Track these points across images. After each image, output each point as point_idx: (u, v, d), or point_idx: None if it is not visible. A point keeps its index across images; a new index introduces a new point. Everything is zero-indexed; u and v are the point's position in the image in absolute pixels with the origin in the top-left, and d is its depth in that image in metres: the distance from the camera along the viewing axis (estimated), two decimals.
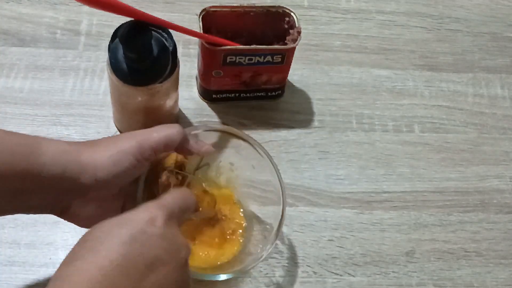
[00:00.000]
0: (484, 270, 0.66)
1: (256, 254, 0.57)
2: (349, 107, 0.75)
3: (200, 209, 0.59)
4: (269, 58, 0.67)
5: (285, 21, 0.68)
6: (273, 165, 0.59)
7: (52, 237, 0.62)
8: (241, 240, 0.61)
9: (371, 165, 0.71)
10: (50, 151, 0.48)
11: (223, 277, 0.56)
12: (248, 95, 0.72)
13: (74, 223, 0.53)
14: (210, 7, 0.66)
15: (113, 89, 0.62)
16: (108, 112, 0.69)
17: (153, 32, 0.58)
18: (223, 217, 0.62)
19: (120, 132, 0.68)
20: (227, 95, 0.71)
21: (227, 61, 0.66)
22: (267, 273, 0.63)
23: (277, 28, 0.69)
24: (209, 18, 0.66)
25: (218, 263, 0.59)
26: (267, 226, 0.59)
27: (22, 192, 0.47)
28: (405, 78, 0.78)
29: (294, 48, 0.67)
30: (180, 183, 0.58)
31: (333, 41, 0.80)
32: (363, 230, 0.67)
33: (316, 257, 0.64)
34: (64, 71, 0.73)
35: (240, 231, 0.62)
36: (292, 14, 0.68)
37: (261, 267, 0.63)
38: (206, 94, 0.72)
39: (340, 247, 0.65)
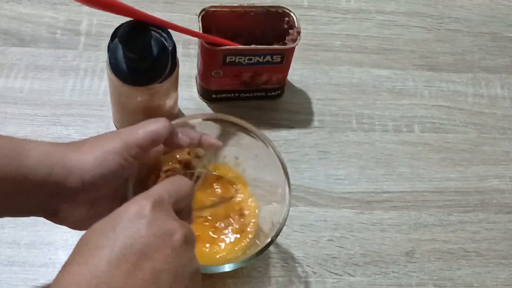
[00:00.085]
0: (484, 270, 0.66)
1: (272, 226, 0.57)
2: (349, 107, 0.75)
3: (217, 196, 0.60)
4: (269, 58, 0.67)
5: (285, 21, 0.68)
6: (271, 146, 0.59)
7: (52, 237, 0.62)
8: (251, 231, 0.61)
9: (371, 165, 0.71)
10: (34, 154, 0.47)
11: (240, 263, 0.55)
12: (248, 95, 0.72)
13: (66, 226, 0.52)
14: (210, 7, 0.66)
15: (113, 89, 0.62)
16: (108, 112, 0.69)
17: (152, 32, 0.58)
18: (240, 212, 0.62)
19: None
20: (227, 95, 0.71)
21: (227, 61, 0.66)
22: (267, 273, 0.63)
23: (277, 28, 0.69)
24: (209, 18, 0.66)
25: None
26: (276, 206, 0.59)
27: (7, 196, 0.47)
28: (405, 78, 0.78)
29: (294, 48, 0.67)
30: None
31: (333, 41, 0.80)
32: (363, 230, 0.67)
33: (316, 257, 0.64)
34: (64, 71, 0.73)
35: (253, 221, 0.61)
36: (292, 14, 0.68)
37: (260, 267, 0.63)
38: (206, 94, 0.72)
39: (340, 247, 0.65)
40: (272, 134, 0.71)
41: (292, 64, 0.69)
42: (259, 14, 0.68)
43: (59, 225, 0.61)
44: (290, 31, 0.68)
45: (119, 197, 0.53)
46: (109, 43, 0.59)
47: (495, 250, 0.67)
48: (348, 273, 0.64)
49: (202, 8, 0.66)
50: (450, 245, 0.67)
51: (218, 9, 0.67)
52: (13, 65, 0.72)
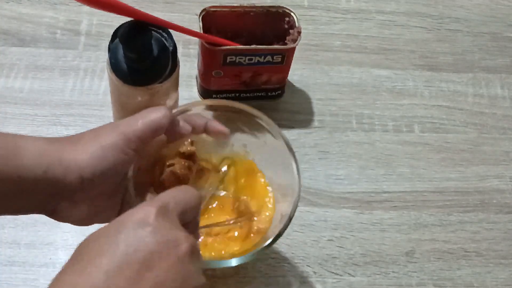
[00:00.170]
0: (484, 270, 0.66)
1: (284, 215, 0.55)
2: (349, 107, 0.75)
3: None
4: (269, 58, 0.67)
5: (285, 21, 0.68)
6: (280, 134, 0.57)
7: (52, 237, 0.62)
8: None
9: (371, 165, 0.71)
10: (29, 153, 0.45)
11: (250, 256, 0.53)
12: (248, 95, 0.72)
13: (68, 223, 0.50)
14: (210, 7, 0.66)
15: (113, 89, 0.62)
16: (108, 112, 0.69)
17: (153, 32, 0.58)
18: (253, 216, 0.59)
19: None
20: (227, 95, 0.71)
21: (227, 61, 0.66)
22: (267, 273, 0.63)
23: (277, 28, 0.69)
24: (209, 18, 0.66)
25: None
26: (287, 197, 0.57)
27: (3, 196, 0.45)
28: (405, 78, 0.78)
29: (294, 48, 0.67)
30: (196, 174, 0.56)
31: (333, 41, 0.80)
32: (363, 230, 0.67)
33: (316, 257, 0.64)
34: (64, 71, 0.73)
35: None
36: (292, 14, 0.68)
37: (260, 267, 0.63)
38: (206, 94, 0.72)
39: (340, 247, 0.65)
40: None
41: (292, 64, 0.69)
42: (259, 14, 0.68)
43: (59, 225, 0.61)
44: (290, 31, 0.68)
45: (120, 192, 0.51)
46: (109, 43, 0.59)
47: (495, 250, 0.67)
48: (348, 273, 0.64)
49: (202, 8, 0.66)
50: (450, 245, 0.67)
51: (218, 9, 0.67)
52: (13, 65, 0.72)
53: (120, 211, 0.51)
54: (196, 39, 0.67)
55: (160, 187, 0.54)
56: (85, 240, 0.39)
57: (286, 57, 0.67)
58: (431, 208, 0.69)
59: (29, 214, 0.48)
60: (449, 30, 0.83)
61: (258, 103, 0.73)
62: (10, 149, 0.44)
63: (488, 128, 0.75)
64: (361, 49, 0.80)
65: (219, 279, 0.62)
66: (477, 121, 0.76)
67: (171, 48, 0.59)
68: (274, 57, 0.67)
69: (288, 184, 0.56)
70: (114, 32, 0.58)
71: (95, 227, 0.41)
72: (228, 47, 0.65)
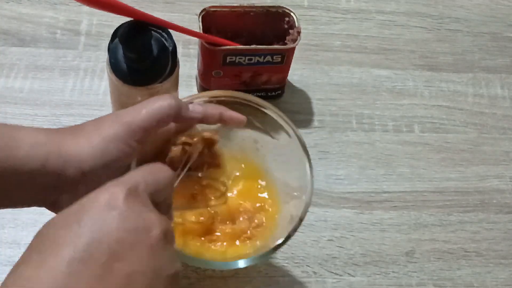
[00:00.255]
0: (484, 270, 0.66)
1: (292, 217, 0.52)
2: (349, 107, 0.75)
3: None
4: (269, 58, 0.67)
5: (285, 21, 0.68)
6: (291, 127, 0.55)
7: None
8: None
9: (371, 165, 0.71)
10: (26, 144, 0.42)
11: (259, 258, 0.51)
12: None
13: None
14: (210, 7, 0.66)
15: (113, 89, 0.62)
16: (108, 112, 0.69)
17: (153, 32, 0.58)
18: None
19: None
20: None
21: (227, 61, 0.66)
22: (267, 273, 0.63)
23: (277, 28, 0.69)
24: (209, 18, 0.66)
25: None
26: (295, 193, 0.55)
27: (0, 188, 0.43)
28: (405, 78, 0.78)
29: (294, 48, 0.67)
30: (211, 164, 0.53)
31: (333, 41, 0.80)
32: (363, 230, 0.67)
33: (316, 257, 0.64)
34: (64, 71, 0.73)
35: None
36: (292, 14, 0.68)
37: (260, 267, 0.63)
38: None
39: (340, 247, 0.65)
40: None
41: (292, 64, 0.69)
42: (259, 14, 0.68)
43: None
44: (290, 31, 0.68)
45: None
46: (109, 43, 0.59)
47: (495, 250, 0.67)
48: (348, 273, 0.64)
49: (202, 8, 0.66)
50: (450, 245, 0.67)
51: (218, 9, 0.67)
52: (13, 65, 0.72)
53: None
54: (196, 39, 0.67)
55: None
56: (44, 226, 0.36)
57: (286, 57, 0.67)
58: (431, 208, 0.69)
59: (29, 206, 0.46)
60: (449, 30, 0.83)
61: None
62: (6, 140, 0.42)
63: (488, 128, 0.75)
64: (361, 49, 0.80)
65: (219, 279, 0.62)
66: (477, 121, 0.76)
67: (171, 48, 0.59)
68: (274, 57, 0.67)
69: (298, 186, 0.55)
70: (114, 32, 0.58)
71: None
72: (228, 47, 0.65)
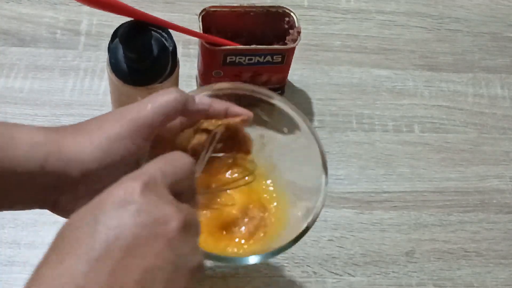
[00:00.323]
0: (484, 270, 0.66)
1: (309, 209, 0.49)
2: (349, 107, 0.75)
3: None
4: (269, 58, 0.67)
5: (285, 21, 0.68)
6: (302, 118, 0.52)
7: (52, 237, 0.62)
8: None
9: (371, 165, 0.71)
10: (23, 144, 0.41)
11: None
12: None
13: None
14: (210, 7, 0.66)
15: (113, 89, 0.62)
16: None
17: (153, 32, 0.58)
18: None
19: None
20: None
21: (227, 61, 0.66)
22: (267, 273, 0.63)
23: (277, 28, 0.69)
24: (209, 18, 0.66)
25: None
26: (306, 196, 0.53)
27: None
28: (405, 78, 0.78)
29: (294, 48, 0.67)
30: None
31: (333, 41, 0.80)
32: (363, 230, 0.67)
33: (316, 257, 0.64)
34: (64, 71, 0.73)
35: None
36: (292, 14, 0.68)
37: (260, 267, 0.63)
38: None
39: (340, 247, 0.65)
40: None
41: (292, 64, 0.69)
42: (259, 14, 0.68)
43: (59, 225, 0.61)
44: (290, 31, 0.68)
45: None
46: (109, 43, 0.59)
47: (495, 250, 0.67)
48: (348, 273, 0.64)
49: (202, 8, 0.66)
50: (450, 245, 0.67)
51: (218, 9, 0.67)
52: (13, 65, 0.72)
53: None
54: (196, 39, 0.67)
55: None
56: (62, 227, 0.35)
57: (286, 57, 0.67)
58: (431, 208, 0.69)
59: (29, 208, 0.45)
60: (449, 30, 0.83)
61: None
62: (4, 140, 0.41)
63: (488, 128, 0.75)
64: (361, 49, 0.80)
65: (219, 279, 0.62)
66: (477, 121, 0.76)
67: (171, 48, 0.59)
68: (274, 57, 0.67)
69: (307, 187, 0.52)
70: (114, 32, 0.58)
71: None
72: (228, 47, 0.65)
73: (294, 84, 0.75)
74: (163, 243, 0.34)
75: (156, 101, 0.43)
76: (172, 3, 0.80)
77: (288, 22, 0.68)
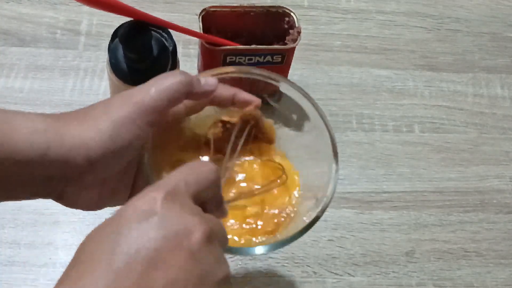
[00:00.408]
0: (484, 270, 0.66)
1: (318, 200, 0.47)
2: (349, 107, 0.75)
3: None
4: (269, 58, 0.67)
5: (285, 21, 0.68)
6: (311, 103, 0.49)
7: (52, 237, 0.62)
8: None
9: (371, 165, 0.71)
10: (23, 132, 0.39)
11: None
12: None
13: (78, 209, 0.44)
14: (210, 7, 0.66)
15: (113, 89, 0.62)
16: None
17: (153, 32, 0.58)
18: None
19: None
20: None
21: (227, 61, 0.66)
22: (267, 273, 0.63)
23: (277, 28, 0.69)
24: (209, 18, 0.66)
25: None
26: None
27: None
28: (405, 78, 0.78)
29: (294, 48, 0.67)
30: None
31: (333, 41, 0.80)
32: (363, 230, 0.67)
33: (316, 257, 0.64)
34: (64, 71, 0.73)
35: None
36: (292, 14, 0.68)
37: (260, 267, 0.63)
38: None
39: (340, 247, 0.65)
40: None
41: (292, 64, 0.69)
42: (259, 14, 0.68)
43: (59, 225, 0.61)
44: (290, 31, 0.68)
45: (132, 169, 0.45)
46: (109, 43, 0.59)
47: (495, 250, 0.67)
48: (348, 273, 0.64)
49: (202, 8, 0.66)
50: (450, 245, 0.67)
51: (218, 9, 0.67)
52: (13, 65, 0.72)
53: (132, 192, 0.45)
54: (196, 39, 0.67)
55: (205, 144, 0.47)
56: (84, 241, 0.35)
57: (286, 57, 0.67)
58: (431, 208, 0.69)
59: (33, 199, 0.42)
60: (449, 30, 0.83)
61: None
62: (3, 129, 0.39)
63: (488, 128, 0.76)
64: (361, 49, 0.80)
65: None
66: (477, 121, 0.76)
67: (171, 48, 0.59)
68: (274, 57, 0.67)
69: (317, 176, 0.49)
70: (114, 32, 0.58)
71: (95, 223, 0.37)
72: (228, 47, 0.65)
73: None
74: (186, 255, 0.33)
75: (160, 85, 0.41)
76: (172, 3, 0.80)
77: (288, 22, 0.68)
